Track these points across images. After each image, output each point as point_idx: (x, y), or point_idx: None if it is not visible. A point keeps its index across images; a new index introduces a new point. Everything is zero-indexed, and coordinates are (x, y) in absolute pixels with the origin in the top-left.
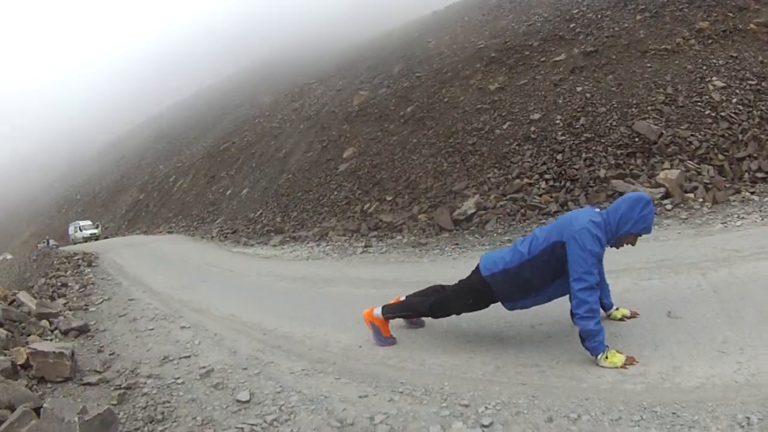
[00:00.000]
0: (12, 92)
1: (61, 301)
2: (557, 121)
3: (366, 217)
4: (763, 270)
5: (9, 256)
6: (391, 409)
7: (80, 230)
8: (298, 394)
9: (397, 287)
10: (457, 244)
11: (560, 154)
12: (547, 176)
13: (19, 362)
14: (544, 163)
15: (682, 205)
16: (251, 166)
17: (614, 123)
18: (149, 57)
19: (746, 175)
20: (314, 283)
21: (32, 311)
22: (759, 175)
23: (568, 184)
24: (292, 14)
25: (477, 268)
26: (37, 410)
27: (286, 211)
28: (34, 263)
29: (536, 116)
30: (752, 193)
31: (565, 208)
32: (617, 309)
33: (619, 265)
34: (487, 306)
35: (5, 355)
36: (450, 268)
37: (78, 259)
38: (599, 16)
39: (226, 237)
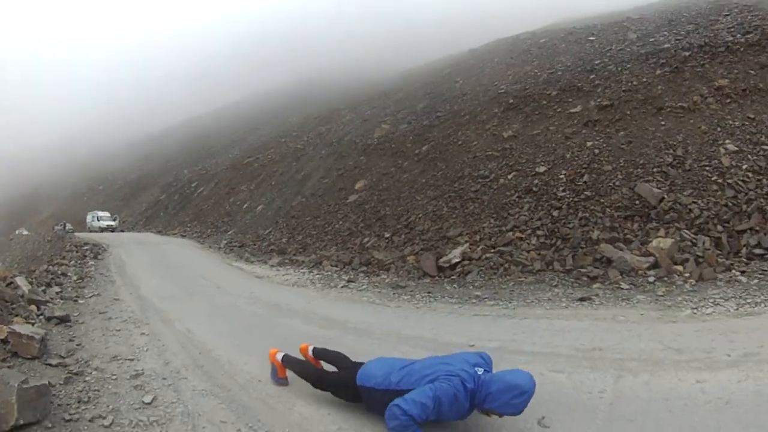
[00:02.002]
0: (68, 75)
1: (56, 289)
2: (561, 176)
3: (361, 251)
4: (682, 388)
5: (25, 232)
6: None
7: (98, 220)
8: (184, 407)
9: (340, 331)
10: (430, 293)
11: (557, 211)
12: (539, 232)
13: (0, 337)
14: (540, 218)
15: (665, 278)
16: (270, 184)
17: (617, 183)
18: (196, 59)
19: (743, 250)
20: (279, 312)
21: (25, 295)
22: (757, 251)
23: (558, 242)
24: (334, 35)
25: (356, 369)
26: None
27: (292, 234)
28: (48, 243)
29: (542, 169)
30: (743, 272)
31: (550, 267)
32: None
33: (546, 347)
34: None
35: None
36: (403, 318)
37: (87, 249)
38: (619, 68)
39: (232, 249)
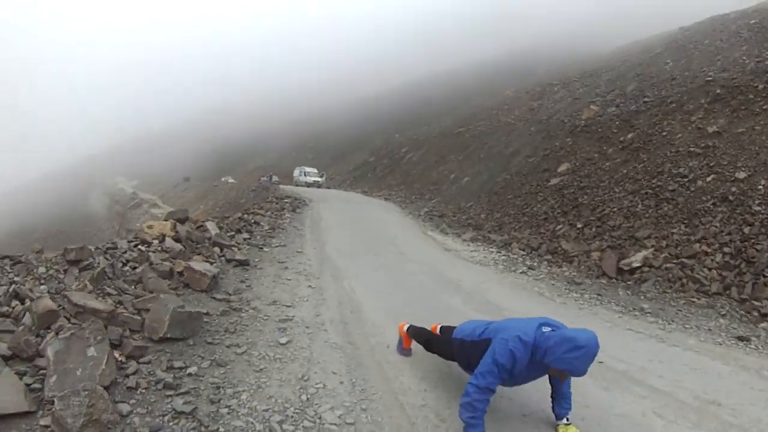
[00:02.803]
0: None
1: (245, 235)
2: (759, 187)
3: (551, 239)
4: None
5: (231, 180)
6: (329, 387)
7: (304, 175)
8: (309, 353)
9: (492, 317)
10: (599, 295)
11: (749, 227)
12: (726, 249)
13: (177, 270)
14: (729, 233)
15: None
16: (479, 156)
17: None
18: (425, 19)
19: None
20: (447, 288)
21: (211, 238)
22: None
23: (743, 265)
24: (551, 7)
25: (453, 330)
26: None
27: (492, 210)
28: (252, 193)
29: (741, 175)
30: None
31: (727, 292)
32: (567, 425)
33: (668, 386)
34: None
35: (171, 262)
36: (559, 317)
37: (287, 202)
38: None
39: (431, 218)
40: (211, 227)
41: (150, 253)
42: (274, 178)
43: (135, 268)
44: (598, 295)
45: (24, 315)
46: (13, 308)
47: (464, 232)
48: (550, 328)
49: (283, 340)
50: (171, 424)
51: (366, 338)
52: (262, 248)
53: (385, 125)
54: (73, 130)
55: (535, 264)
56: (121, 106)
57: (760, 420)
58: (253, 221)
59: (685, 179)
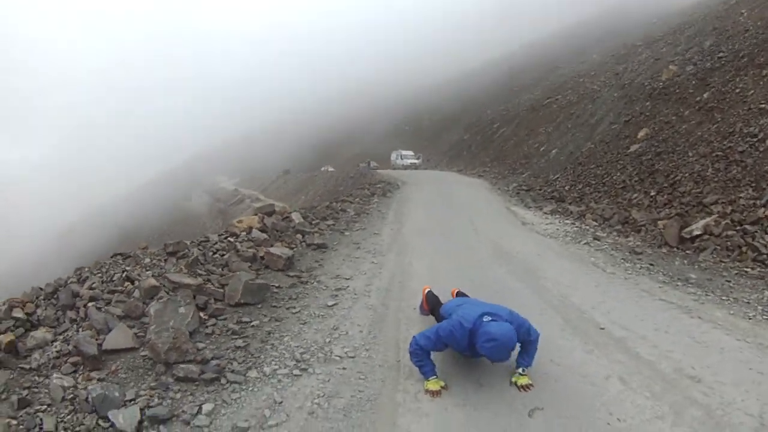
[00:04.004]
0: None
1: (329, 222)
2: None
3: (625, 208)
4: None
5: (331, 169)
6: (350, 334)
7: (401, 158)
8: (347, 312)
9: (526, 284)
10: (652, 265)
11: None
12: None
13: (260, 255)
14: None
15: None
16: (567, 126)
17: None
18: None
19: None
20: (502, 261)
21: (295, 226)
22: None
23: None
24: None
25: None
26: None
27: (575, 182)
28: (350, 180)
29: None
30: None
31: None
32: (521, 374)
33: (659, 356)
34: None
35: (255, 249)
36: (595, 286)
37: (379, 187)
38: None
39: (518, 193)
40: (296, 217)
41: (237, 243)
42: (372, 164)
43: (223, 255)
44: (651, 264)
45: (134, 291)
46: (126, 287)
47: (546, 205)
48: (490, 318)
49: (330, 303)
50: (229, 352)
51: (399, 302)
52: (343, 232)
53: (478, 101)
54: (178, 134)
55: (604, 234)
56: (228, 105)
57: (731, 403)
58: (340, 208)
59: (755, 139)
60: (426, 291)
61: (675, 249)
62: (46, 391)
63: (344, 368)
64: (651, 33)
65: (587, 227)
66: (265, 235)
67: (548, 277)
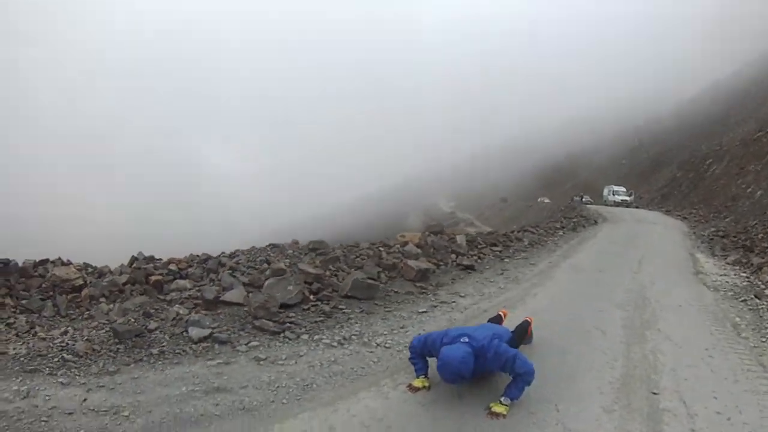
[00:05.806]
0: None
1: (497, 248)
2: None
3: None
4: None
5: (546, 200)
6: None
7: (613, 194)
8: (444, 323)
9: (614, 341)
10: None
11: None
12: None
13: (400, 265)
14: None
15: None
16: None
17: None
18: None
19: None
20: (629, 301)
21: (455, 249)
22: None
23: None
24: None
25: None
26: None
27: None
28: (560, 213)
29: None
30: None
31: None
32: (500, 402)
33: None
34: None
35: (399, 259)
36: (716, 350)
37: (574, 221)
38: None
39: (711, 239)
40: (459, 239)
41: (383, 252)
42: (585, 198)
43: (363, 259)
44: None
45: (267, 270)
46: (262, 267)
47: (732, 254)
48: (467, 339)
49: (421, 310)
50: (306, 323)
51: (483, 320)
52: (503, 259)
53: (693, 135)
54: (406, 150)
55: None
56: (458, 123)
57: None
58: (515, 237)
59: None
60: (501, 312)
61: None
62: (166, 313)
63: (371, 352)
64: None
65: (759, 282)
66: (418, 250)
67: (658, 329)
